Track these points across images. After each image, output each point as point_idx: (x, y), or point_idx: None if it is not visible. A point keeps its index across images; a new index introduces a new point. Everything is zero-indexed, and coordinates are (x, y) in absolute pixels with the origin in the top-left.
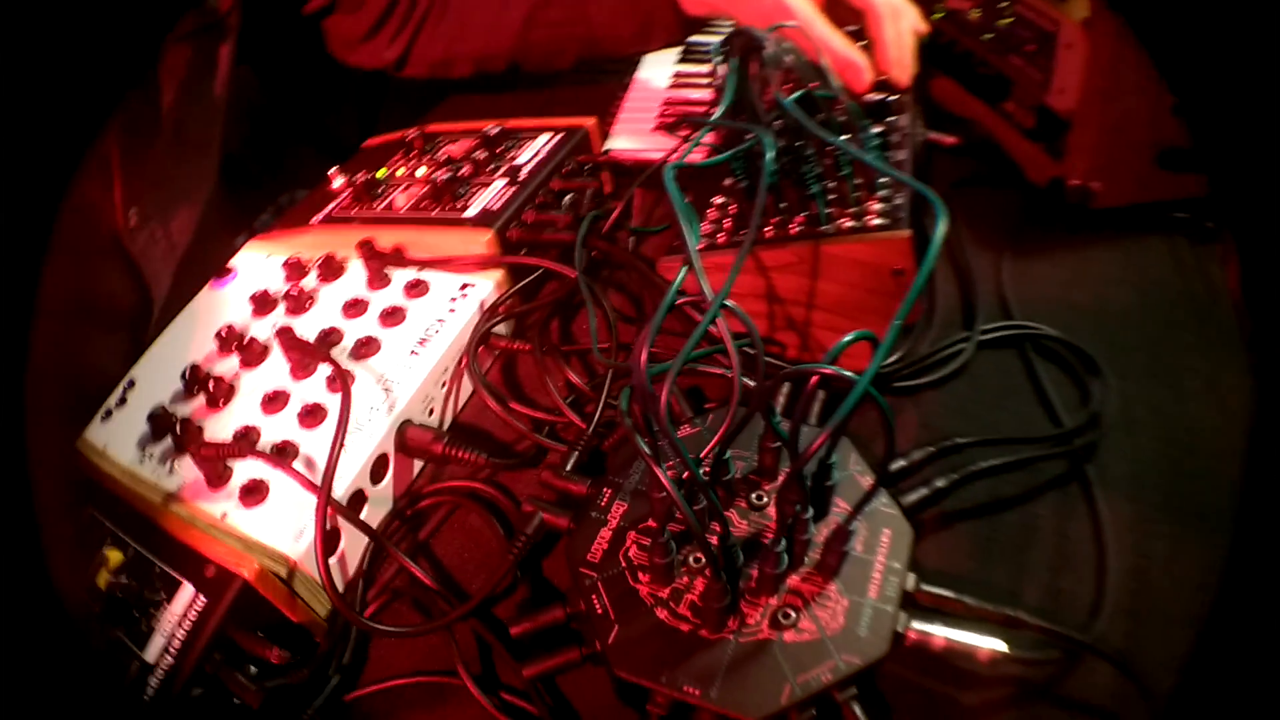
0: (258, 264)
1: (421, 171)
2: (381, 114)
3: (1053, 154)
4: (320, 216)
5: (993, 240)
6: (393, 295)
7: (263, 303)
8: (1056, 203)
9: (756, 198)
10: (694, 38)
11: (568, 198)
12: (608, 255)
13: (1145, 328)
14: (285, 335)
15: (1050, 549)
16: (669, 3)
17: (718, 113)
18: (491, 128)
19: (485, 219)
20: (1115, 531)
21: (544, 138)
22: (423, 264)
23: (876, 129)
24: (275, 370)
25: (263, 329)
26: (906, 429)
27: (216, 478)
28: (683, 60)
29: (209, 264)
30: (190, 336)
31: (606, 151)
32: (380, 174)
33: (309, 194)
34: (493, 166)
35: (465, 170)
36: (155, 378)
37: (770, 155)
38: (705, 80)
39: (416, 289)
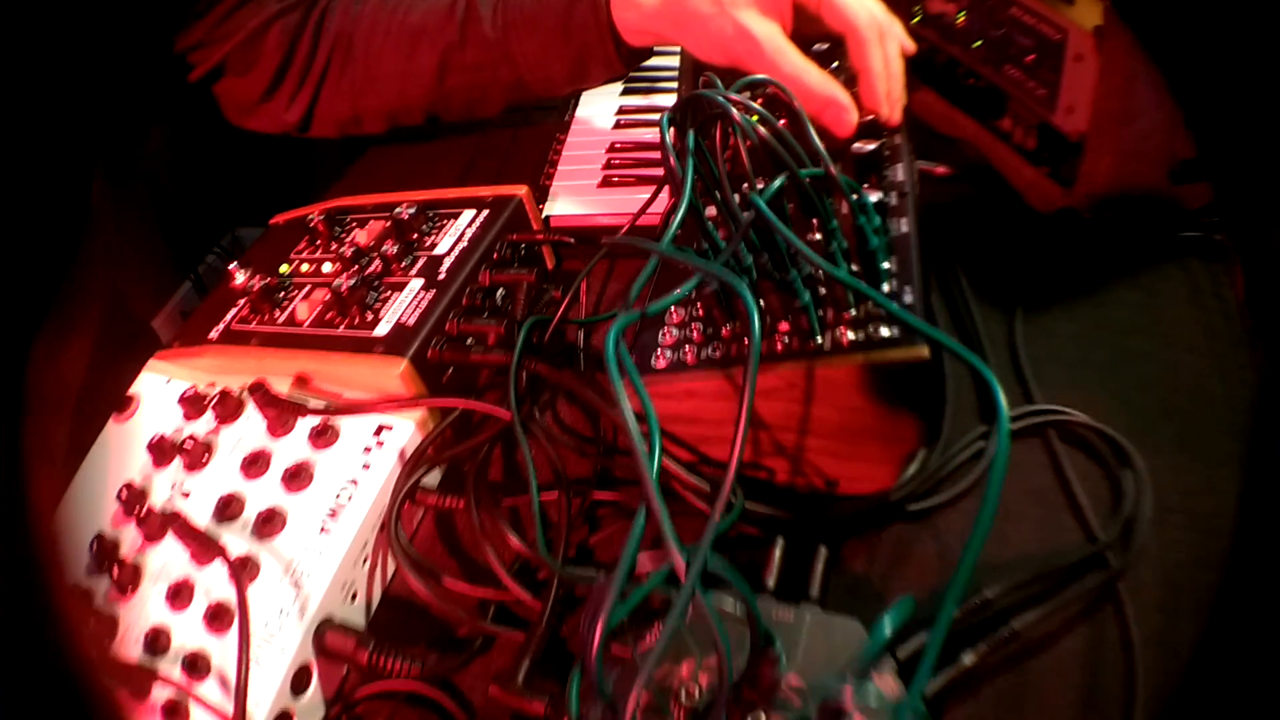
0: (158, 392)
1: (327, 267)
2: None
3: (1060, 181)
4: (219, 330)
5: (1001, 293)
6: (296, 446)
7: (161, 452)
8: (1064, 233)
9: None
10: None
11: (499, 292)
12: (551, 379)
13: (1167, 386)
14: (178, 524)
15: (1080, 687)
16: (606, 34)
17: (672, 225)
18: (404, 208)
19: (397, 342)
20: (1147, 658)
21: (467, 216)
22: (328, 410)
23: (873, 195)
24: (176, 553)
25: (163, 486)
26: (924, 567)
27: (137, 694)
28: (627, 92)
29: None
30: (96, 491)
31: (546, 219)
32: (283, 270)
33: (214, 290)
34: (407, 261)
35: (374, 266)
36: (69, 542)
37: (750, 303)
38: (655, 115)
39: (323, 437)
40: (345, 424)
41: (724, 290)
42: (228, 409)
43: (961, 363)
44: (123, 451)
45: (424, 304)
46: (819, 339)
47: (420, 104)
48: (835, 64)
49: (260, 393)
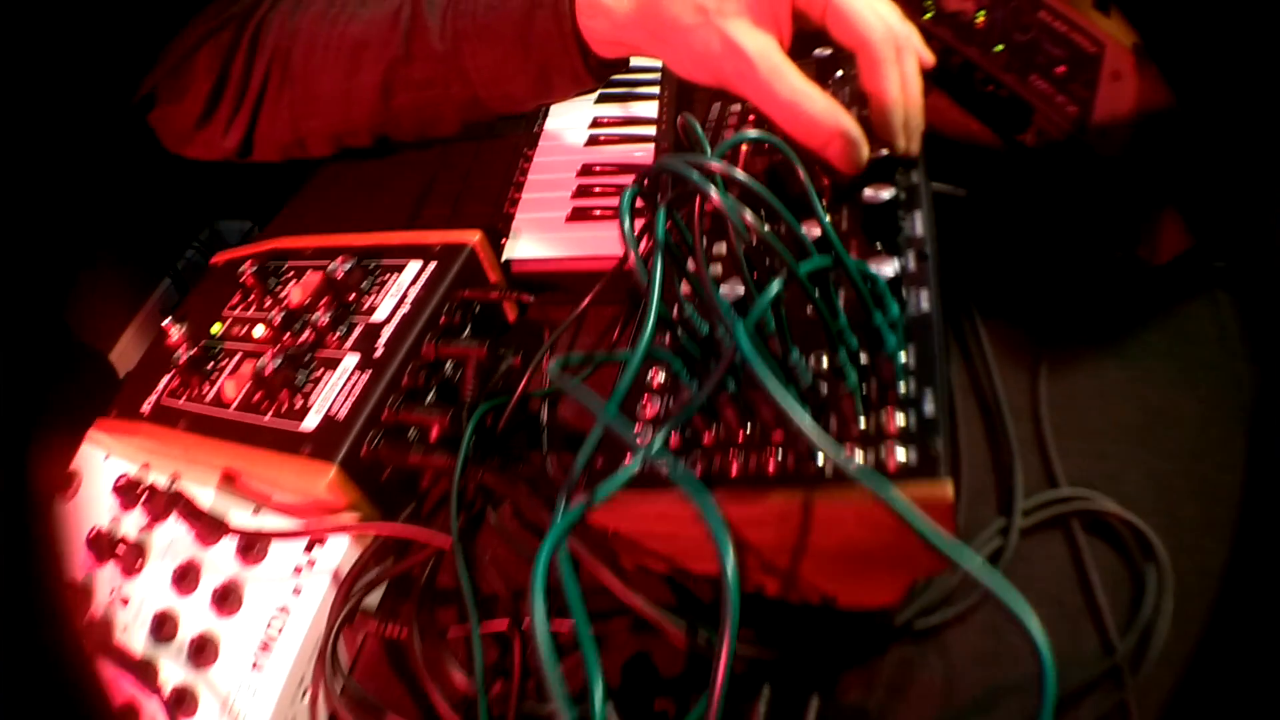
0: (97, 470)
1: (259, 331)
2: None
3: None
4: (151, 404)
5: (1023, 347)
6: (225, 559)
7: (99, 549)
8: (1093, 269)
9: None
10: None
11: (448, 366)
12: (499, 491)
13: (1195, 453)
14: (118, 657)
15: None
16: (572, 45)
17: (638, 348)
18: (340, 265)
19: (326, 443)
20: None
21: (412, 269)
22: (250, 532)
23: (887, 266)
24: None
25: (104, 588)
26: (928, 693)
27: None
28: (603, 99)
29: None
30: None
31: (506, 264)
32: (214, 332)
33: (153, 344)
34: (342, 330)
35: (306, 336)
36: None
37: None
38: (633, 129)
39: (251, 553)
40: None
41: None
42: (157, 507)
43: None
44: (66, 541)
45: (358, 389)
46: (819, 459)
47: (366, 125)
48: (840, 73)
49: (181, 504)
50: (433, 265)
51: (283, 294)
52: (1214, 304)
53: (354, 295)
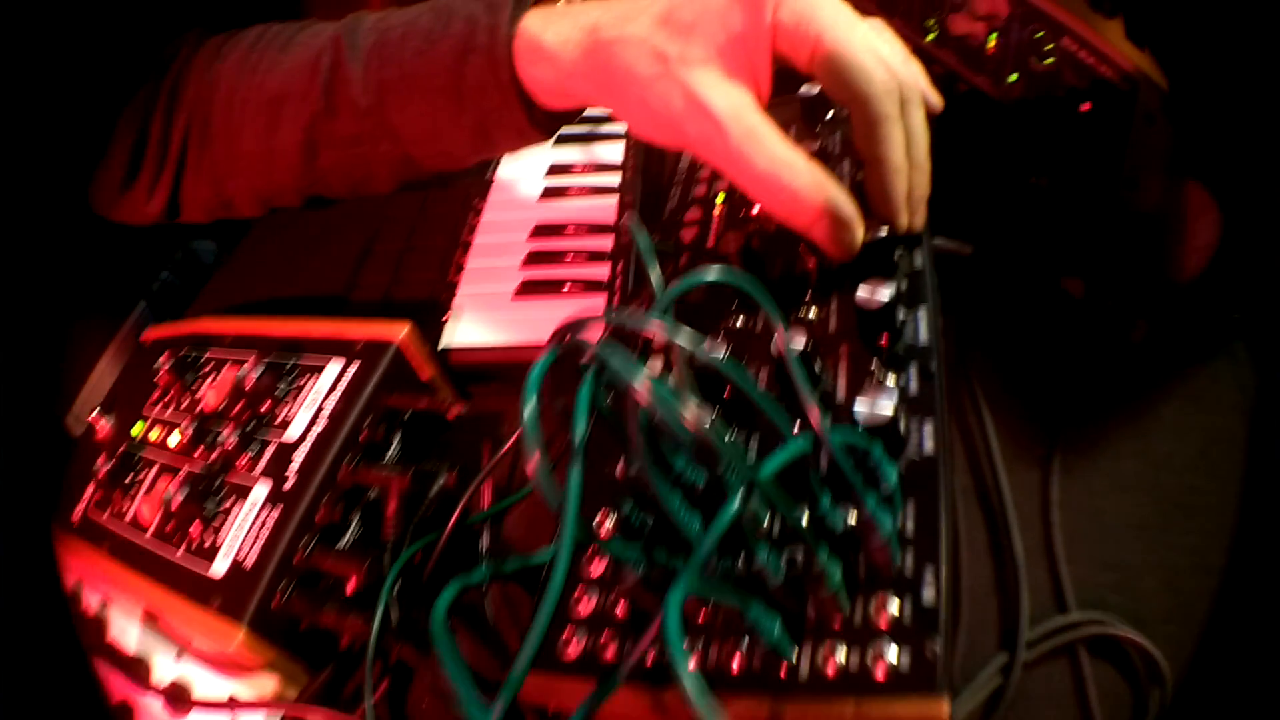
0: None
1: (174, 439)
2: None
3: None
4: (79, 515)
5: (1034, 439)
6: (154, 709)
7: None
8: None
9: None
10: None
11: (371, 494)
12: (418, 667)
13: (1216, 548)
14: None
15: None
16: (512, 97)
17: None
18: (250, 370)
19: (234, 597)
20: None
21: (332, 371)
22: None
23: (885, 399)
24: None
25: None
26: None
27: None
28: (561, 140)
29: None
30: None
31: (442, 353)
32: (135, 433)
33: (83, 437)
34: (254, 451)
35: (218, 452)
36: None
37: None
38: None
39: (178, 703)
40: (198, 681)
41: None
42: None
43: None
44: None
45: (268, 527)
46: (792, 658)
47: (292, 186)
48: (830, 114)
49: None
50: (354, 368)
51: (199, 393)
52: (1234, 360)
53: (268, 404)
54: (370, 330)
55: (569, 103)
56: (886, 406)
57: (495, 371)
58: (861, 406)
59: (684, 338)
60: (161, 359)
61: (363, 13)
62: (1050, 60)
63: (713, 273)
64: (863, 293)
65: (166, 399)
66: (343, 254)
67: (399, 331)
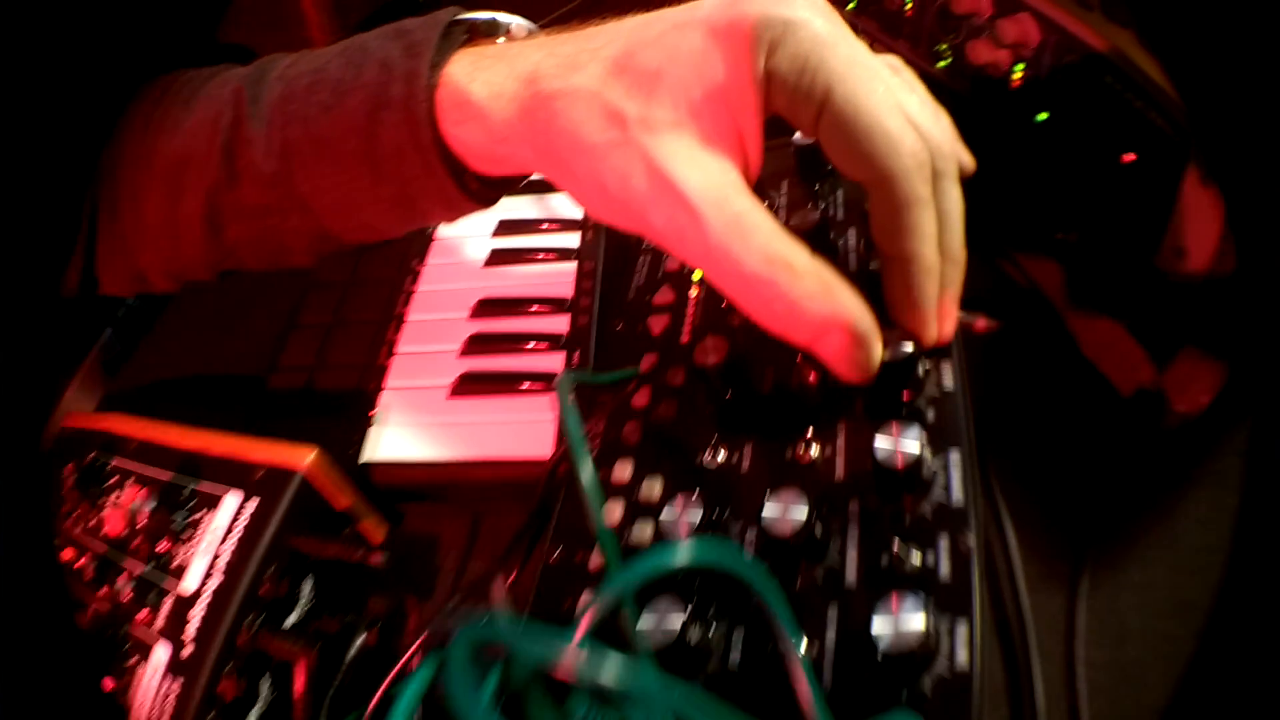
0: None
1: (84, 568)
2: None
3: (1151, 347)
4: None
5: (1060, 554)
6: None
7: None
8: (1140, 425)
9: None
10: None
11: (265, 683)
12: None
13: None
14: None
15: None
16: (435, 161)
17: None
18: (143, 503)
19: None
20: None
21: (229, 507)
22: None
23: (913, 618)
24: None
25: None
26: None
27: None
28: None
29: None
30: None
31: (364, 466)
32: None
33: None
34: (155, 596)
35: (121, 599)
36: None
37: None
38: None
39: None
40: None
41: None
42: None
43: None
44: None
45: (169, 703)
46: None
47: (201, 261)
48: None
49: None
50: (252, 505)
51: (104, 512)
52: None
53: (166, 543)
54: (272, 454)
55: (508, 170)
56: (914, 619)
57: (427, 492)
58: (882, 626)
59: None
60: (66, 471)
61: (277, 55)
62: (1089, 102)
63: (686, 552)
64: (882, 444)
65: (75, 515)
66: (267, 325)
67: (303, 458)
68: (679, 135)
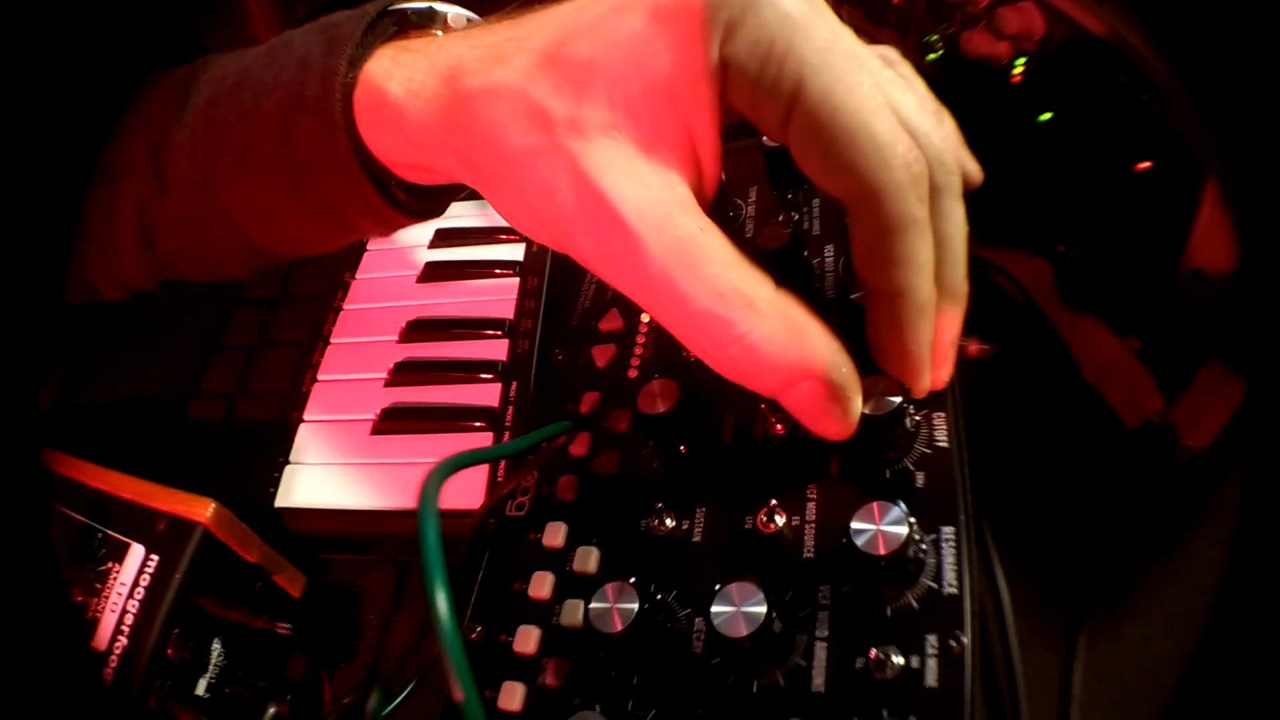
0: None
1: None
2: None
3: (1161, 375)
4: None
5: (1056, 605)
6: None
7: None
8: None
9: None
10: None
11: None
12: None
13: None
14: None
15: None
16: (354, 168)
17: None
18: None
19: None
20: None
21: (134, 560)
22: None
23: None
24: None
25: None
26: None
27: None
28: None
29: None
30: None
31: (275, 513)
32: None
33: None
34: None
35: None
36: None
37: None
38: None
39: None
40: None
41: None
42: None
43: None
44: None
45: None
46: None
47: (143, 273)
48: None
49: None
50: (155, 561)
51: None
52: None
53: (79, 593)
54: (174, 504)
55: (434, 178)
56: None
57: (347, 541)
58: None
59: None
60: None
61: (217, 54)
62: (1100, 101)
63: None
64: (861, 527)
65: None
66: (192, 343)
67: (204, 511)
68: (614, 141)
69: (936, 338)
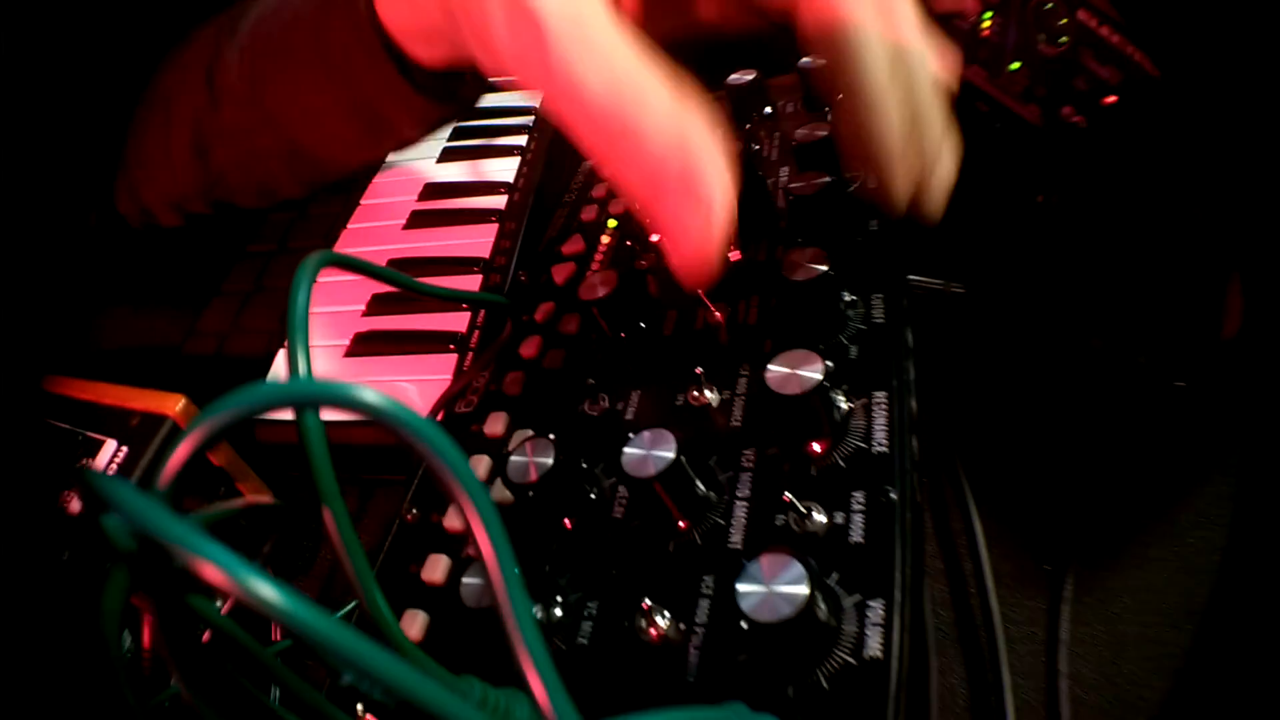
0: None
1: None
2: None
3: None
4: None
5: (1039, 556)
6: None
7: None
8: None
9: None
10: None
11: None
12: None
13: None
14: None
15: None
16: (377, 49)
17: None
18: None
19: None
20: None
21: (105, 455)
22: None
23: None
24: None
25: None
26: None
27: None
28: (447, 157)
29: None
30: None
31: (252, 426)
32: None
33: None
34: None
35: None
36: None
37: None
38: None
39: None
40: None
41: None
42: None
43: None
44: None
45: None
46: None
47: (196, 190)
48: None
49: None
50: (124, 453)
51: None
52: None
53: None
54: (148, 402)
55: (440, 50)
56: (795, 590)
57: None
58: (748, 584)
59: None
60: None
61: None
62: (1063, 40)
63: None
64: (775, 370)
65: None
66: (194, 291)
67: (173, 405)
68: None
69: (916, 159)
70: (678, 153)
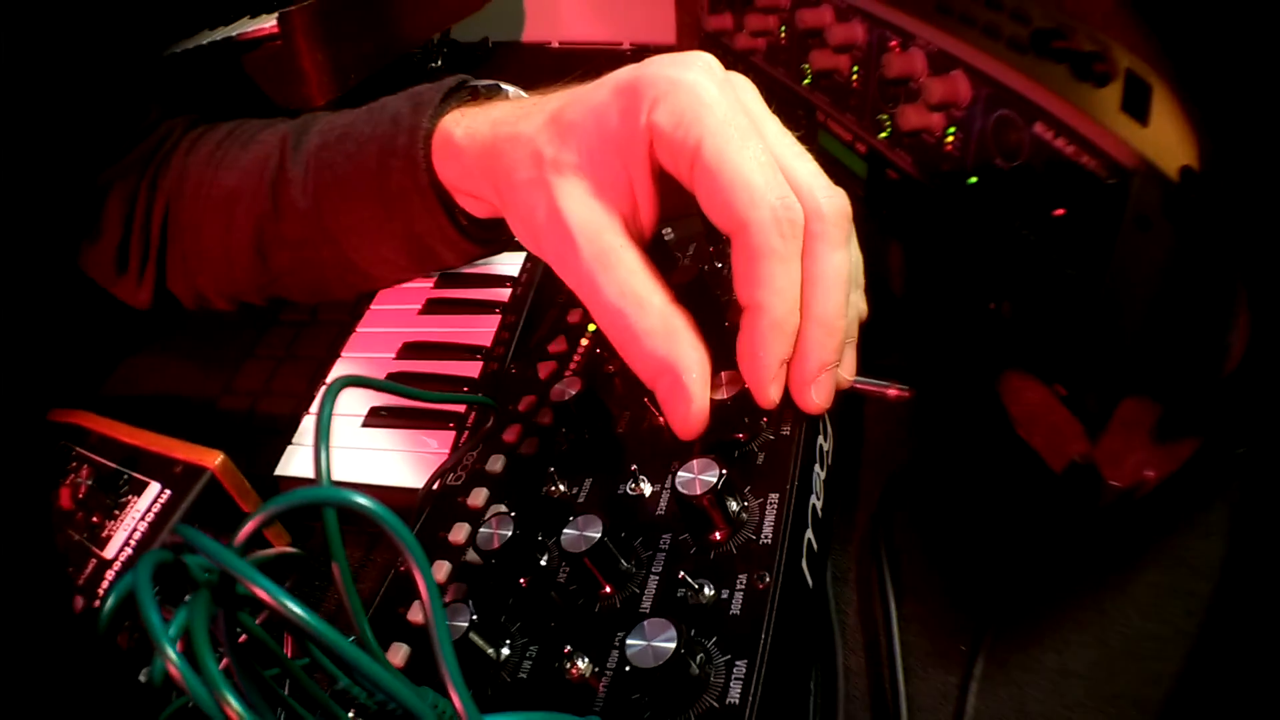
0: None
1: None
2: None
3: (1087, 419)
4: None
5: (955, 635)
6: None
7: None
8: (1070, 502)
9: None
10: None
11: None
12: None
13: None
14: None
15: None
16: (431, 200)
17: None
18: (84, 480)
19: None
20: None
21: (150, 494)
22: None
23: None
24: None
25: None
26: None
27: None
28: None
29: None
30: None
31: (277, 480)
32: None
33: None
34: (80, 557)
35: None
36: None
37: None
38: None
39: None
40: None
41: None
42: None
43: None
44: None
45: None
46: None
47: (251, 286)
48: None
49: None
50: (167, 495)
51: (61, 489)
52: (1228, 514)
53: (98, 516)
54: (191, 454)
55: (482, 208)
56: (663, 653)
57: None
58: (636, 639)
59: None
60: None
61: (320, 113)
62: (1017, 154)
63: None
64: (683, 475)
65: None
66: (230, 353)
67: (213, 459)
68: (578, 179)
69: (799, 358)
70: (665, 350)
